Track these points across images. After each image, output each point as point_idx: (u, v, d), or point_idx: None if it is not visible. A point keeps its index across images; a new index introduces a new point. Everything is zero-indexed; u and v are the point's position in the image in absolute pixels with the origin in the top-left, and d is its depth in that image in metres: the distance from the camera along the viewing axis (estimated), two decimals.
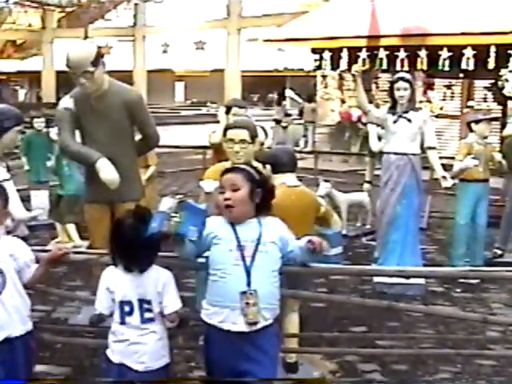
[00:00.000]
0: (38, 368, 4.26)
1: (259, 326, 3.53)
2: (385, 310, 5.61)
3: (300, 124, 21.91)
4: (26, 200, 6.62)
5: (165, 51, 30.89)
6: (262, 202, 3.62)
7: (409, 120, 7.15)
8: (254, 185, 3.60)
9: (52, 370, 5.11)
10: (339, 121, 17.78)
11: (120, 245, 3.63)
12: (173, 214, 3.45)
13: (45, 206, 9.12)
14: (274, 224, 3.67)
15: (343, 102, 17.72)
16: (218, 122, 6.98)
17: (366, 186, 9.52)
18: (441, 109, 15.81)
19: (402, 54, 14.59)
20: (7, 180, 4.88)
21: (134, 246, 3.56)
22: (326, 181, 9.23)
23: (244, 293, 3.50)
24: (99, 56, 5.21)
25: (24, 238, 4.07)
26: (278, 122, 21.37)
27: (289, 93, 32.21)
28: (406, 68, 14.04)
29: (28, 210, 5.25)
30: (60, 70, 26.77)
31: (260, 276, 3.52)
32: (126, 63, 26.81)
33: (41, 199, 9.36)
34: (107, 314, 3.71)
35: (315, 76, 18.91)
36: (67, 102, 5.44)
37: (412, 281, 6.95)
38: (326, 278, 7.16)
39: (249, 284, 3.50)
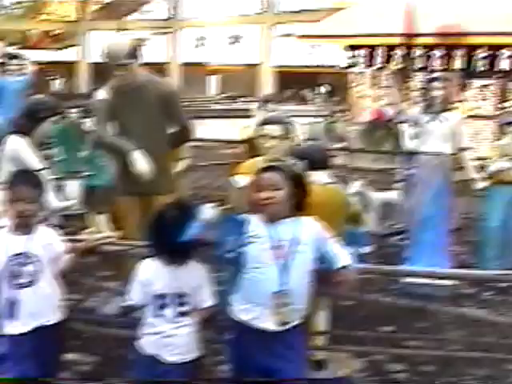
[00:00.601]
0: (68, 356, 4.29)
1: (290, 325, 3.54)
2: (414, 311, 5.59)
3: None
4: (58, 190, 6.66)
5: (199, 45, 30.99)
6: (299, 200, 3.61)
7: (442, 120, 7.10)
8: (292, 184, 3.59)
9: (81, 359, 5.17)
10: (371, 119, 17.67)
11: (160, 237, 3.66)
12: (213, 224, 3.50)
13: (77, 197, 9.18)
14: (310, 224, 3.67)
15: (376, 100, 17.61)
16: (250, 116, 6.99)
17: (398, 185, 9.46)
18: (475, 109, 15.65)
19: (437, 53, 14.47)
20: (42, 170, 4.95)
21: (173, 238, 3.58)
22: (357, 179, 9.18)
23: (277, 293, 3.50)
24: (136, 49, 5.24)
25: (55, 228, 4.11)
26: (325, 117, 21.18)
27: (322, 89, 32.15)
28: (440, 67, 13.93)
29: (60, 200, 5.30)
30: (94, 61, 26.93)
31: (294, 276, 3.52)
32: (161, 56, 26.85)
33: (73, 189, 9.41)
34: (139, 306, 3.73)
35: (348, 73, 18.81)
36: (103, 93, 5.48)
37: (441, 282, 6.91)
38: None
39: (282, 284, 3.50)
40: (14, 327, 3.76)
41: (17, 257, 3.73)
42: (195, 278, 3.68)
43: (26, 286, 3.74)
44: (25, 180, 3.84)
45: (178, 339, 3.67)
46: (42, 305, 3.78)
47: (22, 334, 3.75)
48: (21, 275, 3.73)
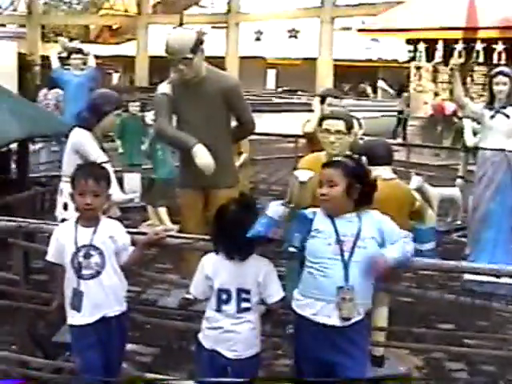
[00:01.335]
0: (128, 347, 4.35)
1: (352, 320, 3.53)
2: (474, 309, 5.52)
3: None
4: (119, 182, 6.75)
5: (258, 38, 31.01)
6: (363, 196, 3.58)
7: (507, 116, 6.98)
8: (352, 180, 3.57)
9: (141, 350, 5.23)
10: (432, 113, 17.48)
11: (223, 232, 3.66)
12: (282, 221, 3.55)
13: (137, 189, 9.30)
14: (375, 218, 3.64)
15: (436, 94, 17.40)
16: (310, 110, 6.97)
17: (459, 181, 9.36)
18: None
19: (499, 46, 14.26)
20: (106, 162, 5.01)
21: (237, 233, 3.57)
22: (417, 174, 9.09)
23: (341, 288, 3.49)
24: (199, 43, 5.27)
25: (116, 220, 4.16)
26: (400, 112, 21.07)
27: (381, 84, 31.87)
28: (503, 61, 13.72)
29: (121, 192, 5.38)
30: (154, 55, 27.15)
31: (358, 272, 3.50)
32: (219, 49, 26.97)
33: (134, 182, 9.54)
34: (202, 300, 3.76)
35: (408, 67, 18.65)
36: (165, 87, 5.52)
37: (503, 280, 6.79)
38: (415, 272, 7.07)
39: (346, 279, 3.50)
40: (79, 318, 3.82)
41: (83, 248, 3.79)
42: (260, 274, 3.65)
43: (90, 278, 3.79)
44: (91, 173, 3.88)
45: (238, 335, 3.65)
46: (105, 296, 3.83)
47: (86, 325, 3.81)
48: (86, 267, 3.78)
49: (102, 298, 3.82)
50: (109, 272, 3.82)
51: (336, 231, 3.53)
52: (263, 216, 3.57)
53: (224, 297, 3.65)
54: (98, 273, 3.80)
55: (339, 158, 3.81)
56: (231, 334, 3.64)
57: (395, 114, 21.58)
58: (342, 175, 3.58)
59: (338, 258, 3.51)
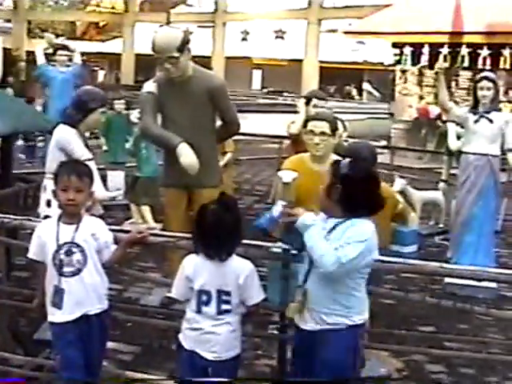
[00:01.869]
0: (109, 345, 4.34)
1: (326, 326, 3.53)
2: (455, 312, 5.55)
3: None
4: (102, 180, 6.73)
5: (244, 39, 31.00)
6: (347, 199, 3.49)
7: (490, 120, 7.03)
8: (334, 180, 3.53)
9: (122, 348, 5.23)
10: (416, 117, 17.56)
11: (202, 231, 3.63)
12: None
13: (121, 187, 9.28)
14: (349, 231, 3.47)
15: (421, 98, 17.48)
16: (295, 112, 6.98)
17: (442, 184, 9.40)
18: None
19: (484, 51, 14.32)
20: (90, 160, 5.00)
21: (217, 233, 3.57)
22: (401, 177, 9.14)
23: (299, 287, 3.59)
24: (185, 42, 5.26)
25: (99, 218, 4.14)
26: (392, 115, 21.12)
27: (366, 86, 31.96)
28: (488, 66, 13.79)
29: (105, 189, 5.37)
30: (140, 53, 27.11)
31: (316, 277, 3.51)
32: (205, 49, 26.95)
33: (117, 180, 9.51)
34: (182, 301, 3.75)
35: (394, 70, 18.72)
36: (151, 86, 5.51)
37: (483, 284, 6.84)
38: (397, 275, 7.11)
39: (305, 281, 3.56)
40: (60, 315, 3.81)
41: (64, 246, 3.78)
42: (240, 276, 3.62)
43: (72, 275, 3.77)
44: (74, 169, 3.88)
45: (218, 337, 3.62)
46: (86, 294, 3.82)
47: (67, 323, 3.80)
48: (68, 264, 3.76)
49: (83, 295, 3.81)
50: (90, 270, 3.81)
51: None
52: (269, 212, 3.63)
53: (204, 298, 3.62)
54: (79, 270, 3.78)
55: (339, 158, 3.82)
56: (211, 336, 3.62)
57: (381, 116, 21.65)
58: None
59: (306, 259, 3.54)
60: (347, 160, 3.63)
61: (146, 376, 4.59)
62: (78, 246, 3.79)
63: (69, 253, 3.77)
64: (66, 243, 3.78)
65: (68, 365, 3.81)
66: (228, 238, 3.60)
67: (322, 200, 3.59)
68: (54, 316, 3.82)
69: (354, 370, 3.64)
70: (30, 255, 3.87)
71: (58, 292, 3.78)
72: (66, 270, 3.77)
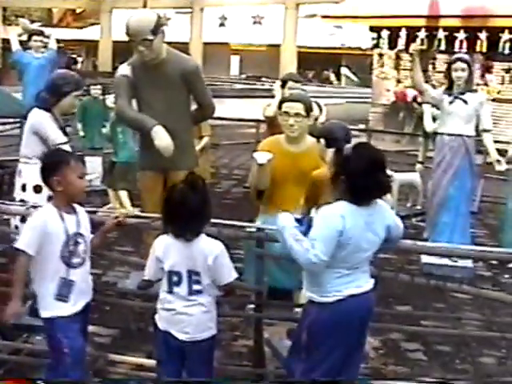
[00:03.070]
0: (88, 328, 4.35)
1: None
2: (431, 291, 5.61)
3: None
4: None
5: (222, 24, 30.83)
6: (352, 187, 3.57)
7: (465, 101, 7.07)
8: (338, 169, 3.67)
9: (100, 331, 5.23)
10: (394, 100, 17.62)
11: (169, 210, 3.64)
12: None
13: (98, 172, 9.27)
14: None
15: (399, 81, 17.54)
16: (272, 96, 7.00)
17: (419, 166, 9.45)
18: (498, 93, 15.54)
19: (461, 35, 14.42)
20: (64, 143, 5.00)
21: (183, 213, 3.57)
22: None
23: None
24: (159, 25, 5.24)
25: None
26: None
27: (344, 70, 31.98)
28: (464, 50, 13.87)
29: None
30: (117, 39, 26.94)
31: None
32: (183, 35, 26.79)
33: (94, 165, 9.50)
34: (154, 281, 3.76)
35: (371, 55, 18.76)
36: (125, 69, 5.50)
37: (460, 263, 6.92)
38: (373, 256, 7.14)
39: None
40: (69, 307, 3.75)
41: (73, 236, 3.73)
42: (209, 257, 3.60)
43: (79, 266, 3.76)
44: (78, 156, 3.88)
45: (190, 317, 3.62)
46: (87, 282, 3.84)
47: (75, 314, 3.77)
48: (75, 255, 3.73)
49: (85, 284, 3.82)
50: (89, 258, 3.84)
51: None
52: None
53: (175, 279, 3.63)
54: (84, 260, 3.78)
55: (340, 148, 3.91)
56: (183, 316, 3.63)
57: (359, 100, 21.71)
58: (332, 164, 3.94)
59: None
60: (348, 148, 3.66)
61: (124, 358, 4.63)
62: (81, 235, 3.77)
63: (76, 243, 3.74)
64: (74, 234, 3.74)
65: (80, 357, 3.78)
66: (194, 217, 3.59)
67: (330, 192, 3.64)
68: (62, 309, 3.73)
69: None
70: (22, 246, 3.62)
71: (67, 284, 3.71)
72: (74, 260, 3.73)
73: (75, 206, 3.83)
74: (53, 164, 3.76)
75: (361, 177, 3.49)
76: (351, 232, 3.48)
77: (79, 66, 37.09)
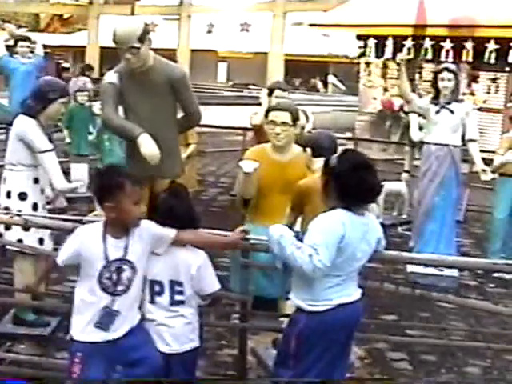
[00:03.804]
0: None
1: None
2: (417, 300, 5.61)
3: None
4: (66, 172, 6.68)
5: (209, 31, 30.88)
6: (341, 192, 3.62)
7: (451, 111, 7.10)
8: (327, 177, 3.69)
9: None
10: (381, 109, 17.66)
11: (157, 221, 3.58)
12: None
13: (84, 179, 9.24)
14: None
15: (386, 90, 17.59)
16: (259, 104, 7.00)
17: (405, 175, 9.48)
18: (484, 102, 15.60)
19: (447, 44, 14.46)
20: (50, 150, 4.97)
21: (166, 221, 3.55)
22: None
23: None
24: (146, 32, 5.22)
25: (62, 210, 4.10)
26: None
27: (331, 79, 32.04)
28: (451, 59, 13.92)
29: (68, 182, 5.33)
30: (104, 45, 26.91)
31: None
32: (171, 41, 26.79)
33: (81, 172, 9.47)
34: None
35: (359, 63, 18.81)
36: (112, 76, 5.48)
37: (445, 273, 6.93)
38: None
39: None
40: (103, 335, 3.46)
41: (114, 263, 3.43)
42: (192, 267, 3.55)
43: (122, 293, 3.46)
44: (135, 179, 3.49)
45: (171, 329, 3.56)
46: (131, 309, 3.55)
47: (107, 342, 3.47)
48: (118, 283, 3.44)
49: (129, 312, 3.53)
50: (137, 283, 3.52)
51: None
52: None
53: (157, 288, 3.58)
54: (128, 287, 3.47)
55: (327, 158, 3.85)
56: (164, 328, 3.57)
57: (346, 108, 21.75)
58: (321, 173, 3.78)
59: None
60: (335, 156, 3.66)
61: None
62: (128, 262, 3.45)
63: (119, 270, 3.43)
64: (116, 259, 3.43)
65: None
66: (178, 226, 3.56)
67: (323, 201, 3.63)
68: (94, 336, 3.45)
69: None
70: (60, 262, 3.49)
71: (111, 314, 3.44)
72: (118, 288, 3.44)
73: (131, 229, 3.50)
74: (106, 188, 3.46)
75: (350, 177, 3.50)
76: (350, 239, 3.49)
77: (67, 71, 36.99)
